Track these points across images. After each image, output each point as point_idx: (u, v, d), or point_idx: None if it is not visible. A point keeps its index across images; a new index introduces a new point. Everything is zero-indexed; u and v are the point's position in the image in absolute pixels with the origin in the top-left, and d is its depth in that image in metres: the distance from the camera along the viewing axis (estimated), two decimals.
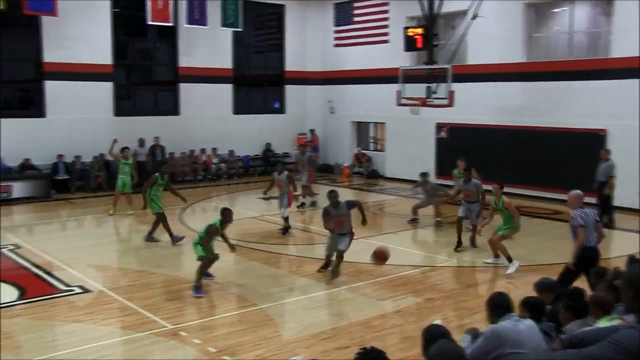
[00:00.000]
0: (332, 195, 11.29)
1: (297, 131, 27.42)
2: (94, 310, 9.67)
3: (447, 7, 19.83)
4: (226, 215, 10.84)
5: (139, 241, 14.22)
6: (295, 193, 16.35)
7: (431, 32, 19.78)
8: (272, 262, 12.79)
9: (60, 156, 20.89)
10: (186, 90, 24.50)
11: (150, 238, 14.07)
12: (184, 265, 12.37)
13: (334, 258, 11.28)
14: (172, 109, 24.50)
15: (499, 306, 5.42)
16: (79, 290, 10.69)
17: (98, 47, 22.22)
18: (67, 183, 20.90)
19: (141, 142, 22.27)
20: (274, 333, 8.73)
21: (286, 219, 15.19)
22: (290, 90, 27.74)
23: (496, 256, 12.15)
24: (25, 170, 20.43)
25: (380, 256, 10.28)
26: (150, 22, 22.07)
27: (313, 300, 9.11)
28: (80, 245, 14.13)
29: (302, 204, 18.41)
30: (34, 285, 11.19)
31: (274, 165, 24.06)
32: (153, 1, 21.81)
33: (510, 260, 11.69)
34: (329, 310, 10.18)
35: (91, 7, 21.81)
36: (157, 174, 14.47)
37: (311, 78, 27.75)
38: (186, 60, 24.37)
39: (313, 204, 18.70)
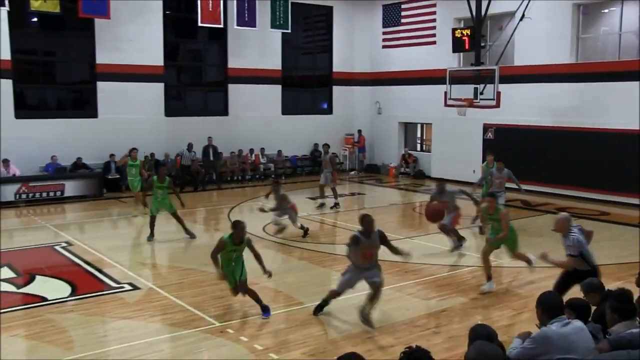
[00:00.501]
0: (367, 220, 8.99)
1: (344, 132, 27.41)
2: (143, 307, 9.74)
3: (495, 9, 19.64)
4: (237, 228, 9.27)
5: (186, 240, 14.31)
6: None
7: (478, 34, 19.64)
8: (318, 261, 12.73)
9: (111, 155, 21.19)
10: (235, 91, 24.66)
11: (187, 232, 14.33)
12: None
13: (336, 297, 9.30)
14: (222, 109, 24.67)
15: (550, 306, 5.31)
16: (129, 288, 10.80)
17: (149, 49, 22.52)
18: (118, 182, 21.20)
19: (189, 147, 22.38)
20: (320, 331, 8.66)
21: (301, 226, 14.88)
22: (338, 91, 27.70)
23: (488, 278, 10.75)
24: (78, 169, 20.83)
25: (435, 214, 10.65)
26: (200, 24, 22.28)
27: (359, 299, 9.01)
28: (130, 243, 14.33)
29: (322, 204, 18.26)
30: (86, 281, 11.33)
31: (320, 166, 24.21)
32: (204, 3, 22.03)
33: (489, 278, 10.61)
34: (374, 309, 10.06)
35: (143, 9, 22.11)
36: (154, 177, 14.82)
37: (359, 79, 27.66)
38: (235, 61, 24.51)
39: (336, 205, 18.33)
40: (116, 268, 11.93)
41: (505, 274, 11.83)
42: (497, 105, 18.40)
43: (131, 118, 21.97)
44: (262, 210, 15.39)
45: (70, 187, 19.76)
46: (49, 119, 21.00)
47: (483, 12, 19.36)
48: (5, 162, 19.19)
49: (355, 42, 27.60)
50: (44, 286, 10.97)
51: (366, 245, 8.87)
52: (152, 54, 22.60)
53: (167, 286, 10.84)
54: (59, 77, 22.83)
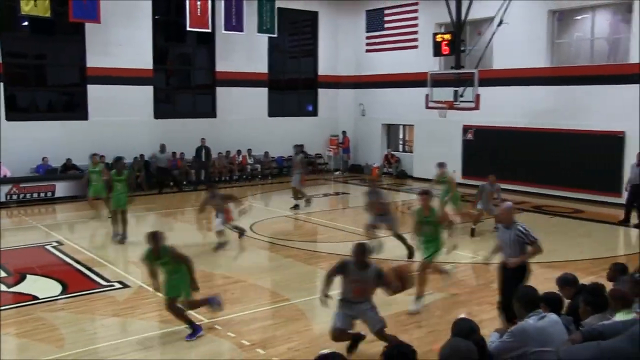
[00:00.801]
0: (361, 250, 7.38)
1: (329, 133, 27.45)
2: (133, 305, 9.73)
3: (474, 14, 19.71)
4: (151, 241, 8.32)
5: (175, 239, 14.21)
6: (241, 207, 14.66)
7: (458, 38, 19.77)
8: (304, 259, 12.71)
9: (101, 157, 21.04)
10: (223, 93, 24.65)
11: (122, 235, 14.06)
12: (218, 262, 12.38)
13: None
14: (210, 111, 24.63)
15: (527, 301, 5.35)
16: (119, 286, 10.77)
17: (139, 53, 22.42)
18: (108, 183, 21.01)
19: (162, 148, 22.03)
20: (305, 327, 8.70)
21: (220, 232, 13.50)
22: (323, 93, 27.76)
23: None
24: (68, 170, 20.66)
25: (401, 276, 7.63)
26: (189, 29, 22.25)
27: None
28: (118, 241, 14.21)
29: (296, 206, 18.03)
30: (76, 280, 11.26)
31: (308, 165, 24.21)
32: (192, 8, 21.97)
33: (420, 296, 9.42)
34: None
35: (132, 14, 22.01)
36: (112, 171, 14.72)
37: (343, 82, 27.72)
38: (223, 64, 24.50)
39: (307, 201, 18.26)
40: (106, 267, 11.90)
41: (486, 271, 11.84)
42: (477, 108, 18.53)
43: (121, 120, 21.81)
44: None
45: (61, 188, 19.64)
46: (39, 121, 20.85)
47: (463, 17, 19.47)
48: None
49: (340, 46, 27.65)
50: (34, 285, 10.91)
51: (356, 279, 7.37)
52: (142, 57, 22.49)
53: None
54: (49, 80, 22.64)
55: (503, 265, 8.00)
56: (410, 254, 11.84)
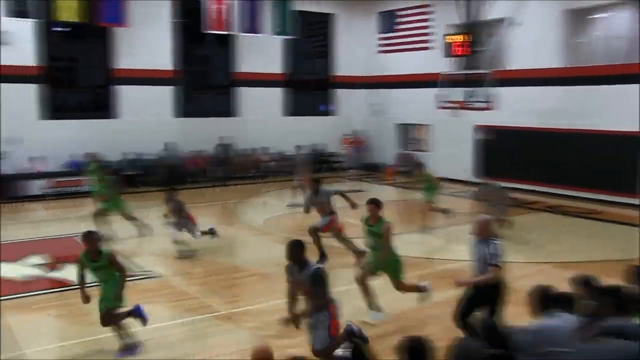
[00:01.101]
0: (295, 248, 6.65)
1: (343, 132, 27.72)
2: (156, 294, 10.09)
3: (487, 15, 19.65)
4: (87, 241, 7.61)
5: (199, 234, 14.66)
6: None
7: (471, 39, 19.72)
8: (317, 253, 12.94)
9: (126, 154, 21.83)
10: (242, 93, 25.19)
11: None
12: (238, 255, 12.81)
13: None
14: (228, 111, 25.19)
15: (543, 300, 5.24)
16: (143, 276, 11.15)
17: (160, 54, 23.05)
18: (133, 178, 21.75)
19: (166, 146, 22.68)
20: None
21: (204, 232, 12.96)
22: (338, 93, 28.12)
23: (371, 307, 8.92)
24: None
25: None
26: (207, 31, 22.70)
27: (357, 290, 9.22)
28: (146, 234, 14.69)
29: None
30: None
31: (321, 163, 24.59)
32: (210, 11, 22.42)
33: (372, 307, 8.85)
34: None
35: (154, 17, 22.62)
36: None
37: (357, 82, 27.98)
38: (241, 65, 25.02)
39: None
40: (131, 258, 12.17)
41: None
42: (489, 108, 18.53)
43: (144, 119, 22.52)
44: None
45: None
46: (72, 119, 21.63)
47: (475, 18, 19.45)
48: (33, 159, 19.85)
49: (354, 47, 27.87)
50: (69, 272, 11.52)
51: (298, 281, 6.66)
52: (162, 59, 23.15)
53: (179, 275, 11.30)
54: (80, 81, 23.39)
55: (473, 283, 7.23)
56: (358, 255, 11.27)
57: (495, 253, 6.94)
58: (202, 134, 23.43)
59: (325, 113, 28.17)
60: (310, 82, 28.20)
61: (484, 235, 7.12)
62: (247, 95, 25.27)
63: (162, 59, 23.13)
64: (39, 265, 11.99)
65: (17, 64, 20.17)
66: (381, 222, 8.60)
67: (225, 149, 23.59)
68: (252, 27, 23.58)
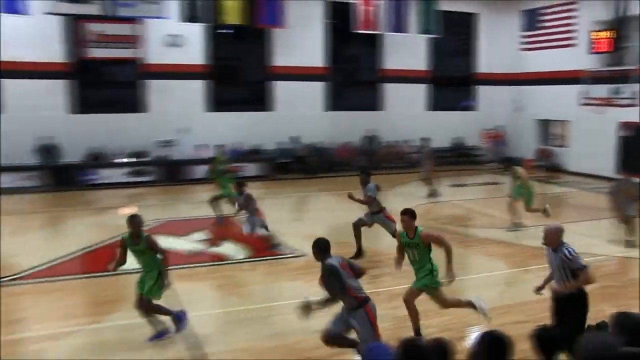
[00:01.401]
0: (314, 245, 6.32)
1: (484, 127, 26.54)
2: (303, 272, 9.98)
3: (636, 10, 18.12)
4: (131, 223, 7.25)
5: (345, 217, 14.49)
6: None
7: (618, 35, 18.32)
8: (458, 241, 12.03)
9: (282, 143, 22.08)
10: (387, 89, 24.81)
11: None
12: (379, 239, 12.47)
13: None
14: (374, 105, 24.86)
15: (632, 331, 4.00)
16: (295, 254, 11.19)
17: (312, 53, 23.20)
18: (287, 165, 21.98)
19: (293, 139, 22.57)
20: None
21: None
22: (479, 90, 26.98)
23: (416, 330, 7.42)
24: (256, 154, 21.83)
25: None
26: (356, 31, 22.44)
27: (494, 278, 8.81)
28: (297, 217, 14.75)
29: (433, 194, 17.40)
30: (260, 247, 11.65)
31: (461, 156, 23.73)
32: (359, 12, 22.16)
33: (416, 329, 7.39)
34: (507, 287, 9.81)
35: (307, 19, 22.76)
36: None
37: (498, 79, 26.67)
38: (387, 62, 24.63)
39: (433, 193, 17.52)
40: (285, 237, 12.25)
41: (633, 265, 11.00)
42: (636, 104, 17.11)
43: (298, 112, 22.75)
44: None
45: (251, 169, 20.71)
46: (233, 112, 22.23)
47: (624, 14, 17.98)
48: (198, 147, 20.50)
49: (496, 45, 26.57)
50: (227, 248, 11.66)
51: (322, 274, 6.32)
52: (315, 57, 23.26)
53: None
54: (242, 78, 24.01)
55: (554, 292, 6.33)
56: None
57: (571, 256, 6.07)
58: (349, 127, 23.37)
59: (466, 108, 27.11)
60: (452, 78, 27.23)
61: (554, 244, 6.21)
62: (392, 91, 24.83)
63: (314, 57, 23.25)
64: (202, 241, 12.23)
65: (187, 63, 21.11)
66: (418, 231, 7.25)
67: (371, 140, 23.30)
68: (399, 26, 23.08)
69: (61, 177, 19.13)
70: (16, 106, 19.21)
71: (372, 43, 24.52)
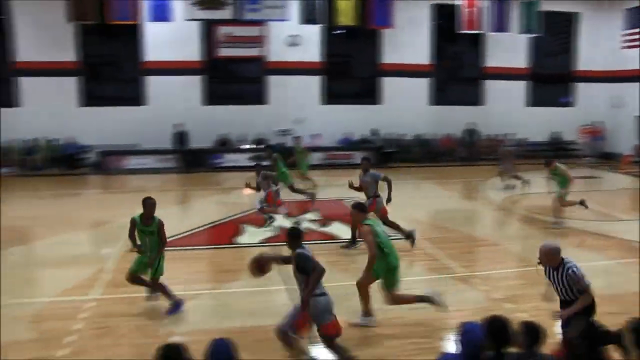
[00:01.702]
0: (287, 234, 5.95)
1: (582, 122, 25.17)
2: (406, 254, 9.74)
3: None
4: (145, 205, 7.02)
5: (446, 204, 14.43)
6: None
7: None
8: (553, 233, 11.62)
9: (388, 134, 22.14)
10: (488, 85, 24.19)
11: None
12: (478, 226, 12.36)
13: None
14: (476, 100, 24.29)
15: None
16: (398, 237, 10.90)
17: (419, 51, 23.04)
18: (392, 155, 21.97)
19: (373, 132, 22.48)
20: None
21: (261, 209, 11.98)
22: (578, 86, 25.58)
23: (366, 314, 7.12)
24: (364, 143, 22.05)
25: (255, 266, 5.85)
26: (461, 31, 22.04)
27: (588, 269, 8.33)
28: (400, 203, 14.67)
29: (513, 186, 16.25)
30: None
31: (558, 150, 22.71)
32: (464, 13, 21.73)
33: (368, 314, 7.09)
34: (601, 279, 9.33)
35: (415, 20, 22.68)
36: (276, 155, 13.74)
37: (598, 76, 25.16)
38: (489, 60, 23.99)
39: (525, 183, 16.21)
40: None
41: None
42: None
43: (404, 105, 22.67)
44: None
45: (359, 157, 20.78)
46: (344, 105, 22.53)
47: None
48: (313, 136, 20.99)
49: (596, 43, 25.02)
50: (335, 228, 11.92)
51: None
52: (422, 55, 23.07)
53: (428, 239, 10.98)
54: (355, 73, 24.23)
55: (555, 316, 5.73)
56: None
57: (576, 275, 5.47)
58: (451, 120, 23.08)
59: (565, 104, 25.80)
60: (551, 75, 25.97)
61: (554, 263, 5.57)
62: (493, 87, 24.18)
63: (420, 55, 23.09)
64: (313, 221, 12.56)
65: (305, 60, 21.54)
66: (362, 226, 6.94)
67: (471, 133, 22.87)
68: (501, 26, 22.39)
69: (193, 160, 20.29)
70: (158, 98, 20.66)
71: (475, 42, 23.93)
